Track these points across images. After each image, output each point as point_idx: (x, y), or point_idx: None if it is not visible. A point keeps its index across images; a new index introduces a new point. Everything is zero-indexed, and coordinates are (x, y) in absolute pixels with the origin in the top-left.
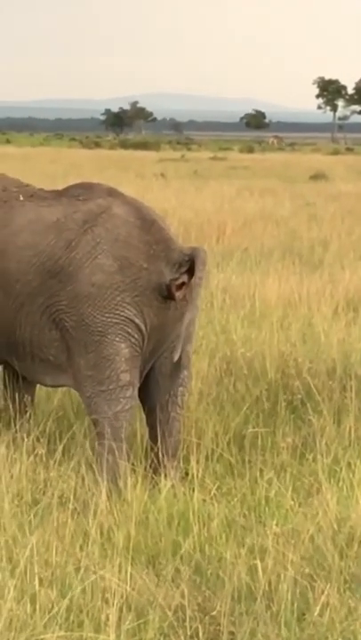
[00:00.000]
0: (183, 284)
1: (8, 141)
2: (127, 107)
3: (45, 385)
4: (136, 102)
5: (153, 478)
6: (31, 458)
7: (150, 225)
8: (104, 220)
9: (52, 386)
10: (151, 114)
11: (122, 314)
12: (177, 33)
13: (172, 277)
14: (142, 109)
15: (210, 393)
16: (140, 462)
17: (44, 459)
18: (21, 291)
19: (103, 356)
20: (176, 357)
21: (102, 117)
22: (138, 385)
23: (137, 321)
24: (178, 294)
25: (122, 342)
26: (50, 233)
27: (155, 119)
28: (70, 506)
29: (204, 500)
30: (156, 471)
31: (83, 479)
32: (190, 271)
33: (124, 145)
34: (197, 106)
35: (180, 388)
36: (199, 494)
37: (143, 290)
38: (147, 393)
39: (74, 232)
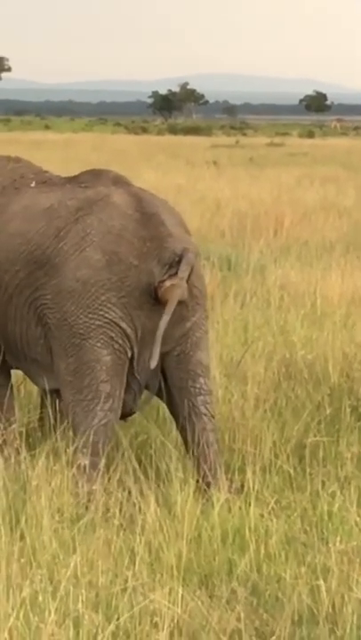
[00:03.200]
0: (172, 286)
1: (47, 127)
2: (176, 89)
3: (44, 389)
4: (186, 84)
5: (206, 492)
6: (73, 469)
7: (148, 219)
8: (99, 209)
9: (50, 390)
10: (203, 96)
11: (106, 315)
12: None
13: (160, 279)
14: (193, 91)
15: (267, 399)
16: (192, 475)
17: (87, 470)
18: (10, 282)
19: (83, 362)
20: (153, 364)
21: (149, 100)
22: (121, 396)
23: (123, 325)
24: (165, 298)
25: (103, 348)
26: (41, 220)
27: (206, 102)
28: (116, 522)
29: (262, 516)
30: (209, 485)
31: (129, 492)
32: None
33: (174, 130)
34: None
35: (200, 398)
36: (256, 509)
37: (132, 290)
38: (169, 406)
39: (64, 220)
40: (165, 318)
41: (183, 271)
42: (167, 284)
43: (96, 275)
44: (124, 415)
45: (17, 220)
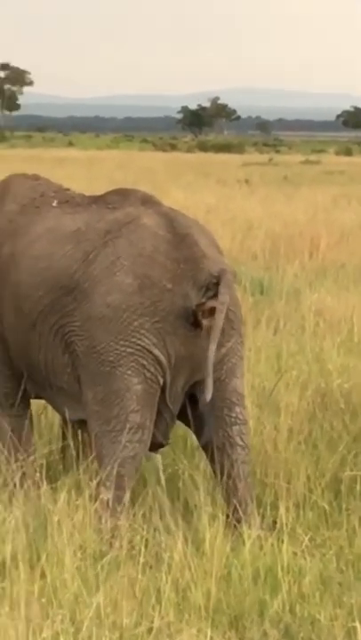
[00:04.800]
0: (211, 309)
1: (71, 143)
2: (207, 103)
3: (70, 420)
4: (217, 98)
5: (236, 528)
6: (96, 504)
7: (181, 240)
8: (129, 232)
9: (74, 420)
10: (234, 111)
11: (138, 342)
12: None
13: (198, 302)
14: (224, 106)
15: (301, 430)
16: (222, 509)
17: (110, 505)
18: (33, 308)
19: (112, 391)
20: (208, 397)
21: (178, 116)
22: (151, 427)
23: (156, 352)
24: (205, 321)
25: (134, 376)
26: (67, 243)
27: (238, 117)
28: (141, 559)
29: (295, 554)
30: (239, 520)
31: (155, 528)
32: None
33: (204, 147)
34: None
35: (236, 428)
36: (289, 546)
37: (166, 315)
38: (200, 436)
39: (93, 243)
40: (212, 346)
41: (224, 294)
42: (206, 306)
43: (128, 300)
44: (154, 447)
45: (41, 243)
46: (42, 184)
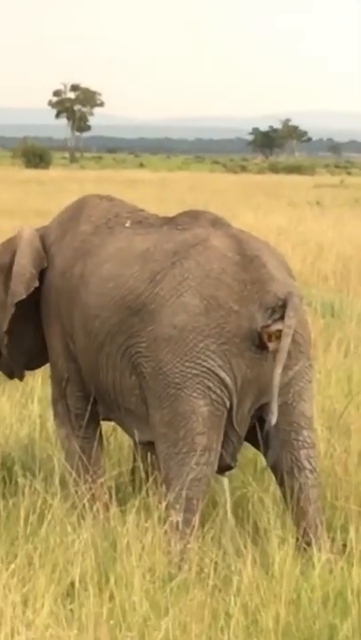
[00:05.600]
0: (277, 332)
1: (142, 165)
2: (278, 125)
3: (138, 442)
4: (288, 120)
5: (305, 551)
6: (165, 527)
7: (249, 261)
8: (197, 253)
9: (143, 442)
10: (306, 133)
11: (204, 364)
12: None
13: (263, 324)
14: (295, 128)
15: None
16: (291, 533)
17: (179, 527)
18: (101, 328)
19: (178, 413)
20: (273, 420)
21: (249, 137)
22: (218, 449)
23: (222, 374)
24: (271, 345)
25: (200, 398)
26: (136, 263)
27: (310, 139)
28: (210, 582)
29: None
30: (309, 543)
31: (224, 551)
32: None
33: (275, 169)
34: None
35: (304, 451)
36: (359, 570)
37: (232, 337)
38: (268, 459)
39: (160, 264)
40: (278, 369)
41: (290, 317)
42: (272, 329)
43: (194, 321)
44: (222, 469)
45: (110, 263)
46: (116, 205)
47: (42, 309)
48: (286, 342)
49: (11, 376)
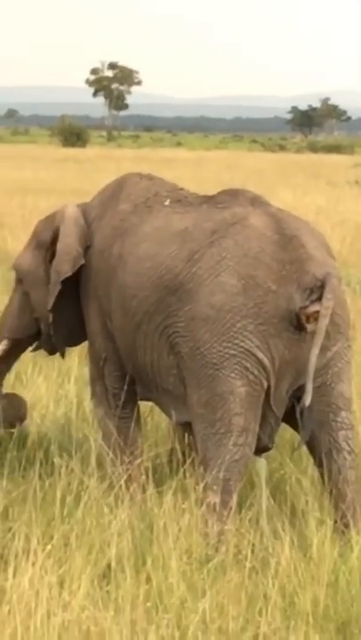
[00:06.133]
0: (315, 313)
1: (179, 144)
2: (317, 104)
3: (176, 422)
4: (328, 99)
5: (344, 533)
6: (202, 508)
7: (288, 241)
8: (236, 232)
9: (180, 422)
10: (345, 112)
11: (241, 344)
12: None
13: (301, 305)
14: (335, 107)
15: None
16: (330, 515)
17: (217, 509)
18: (138, 308)
19: (216, 394)
20: (307, 401)
21: (288, 116)
22: (256, 430)
23: (259, 354)
24: (309, 326)
25: (238, 379)
26: (173, 243)
27: (349, 118)
28: (247, 564)
29: None
30: (347, 525)
31: (261, 534)
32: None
33: (314, 148)
34: None
35: (342, 432)
36: None
37: (270, 317)
38: (302, 439)
39: (199, 243)
40: (315, 351)
41: (328, 299)
42: (310, 310)
43: (231, 300)
44: (259, 450)
45: (148, 242)
46: (156, 183)
47: (81, 287)
48: (323, 324)
49: (52, 352)
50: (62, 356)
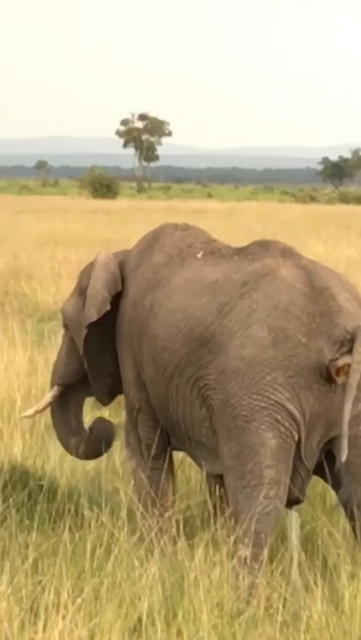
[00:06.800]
0: (345, 366)
1: (210, 195)
2: (348, 155)
3: (209, 474)
4: (359, 149)
5: None
6: (233, 561)
7: (319, 293)
8: (266, 284)
9: (212, 474)
10: None
11: (272, 397)
12: None
13: (331, 357)
14: None
15: None
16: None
17: (248, 562)
18: (170, 360)
19: (246, 446)
20: (343, 457)
21: (319, 167)
22: (287, 482)
23: (290, 407)
24: (338, 379)
25: (268, 431)
26: (204, 295)
27: None
28: (279, 618)
29: None
30: None
31: (293, 587)
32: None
33: (345, 199)
34: None
35: None
36: None
37: (300, 369)
38: (340, 496)
39: (229, 295)
40: (348, 406)
41: (359, 352)
42: (340, 363)
43: (261, 353)
44: (290, 503)
45: (179, 295)
46: (192, 234)
47: (116, 338)
48: (355, 378)
49: (103, 402)
50: (105, 403)
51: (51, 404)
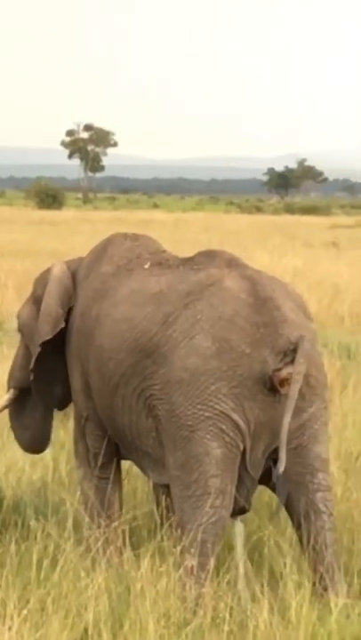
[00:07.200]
0: (288, 377)
1: (156, 205)
2: (293, 165)
3: (155, 484)
4: (304, 160)
5: (322, 596)
6: (180, 571)
7: (263, 303)
8: (210, 294)
9: (159, 484)
10: (321, 173)
11: (216, 407)
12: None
13: (275, 367)
14: (311, 168)
15: None
16: (308, 578)
17: (194, 572)
18: (115, 371)
19: (192, 456)
20: (281, 468)
21: (265, 178)
22: (232, 492)
23: (234, 416)
24: (282, 389)
25: (213, 441)
26: (149, 305)
27: (325, 179)
28: (225, 627)
29: None
30: (326, 588)
31: (239, 597)
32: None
33: (290, 209)
34: None
35: (320, 494)
36: None
37: (244, 380)
38: (280, 502)
39: (173, 305)
40: (287, 418)
41: (300, 363)
42: (283, 373)
43: (205, 363)
44: (236, 512)
45: (124, 305)
46: (141, 245)
47: (65, 346)
48: (295, 390)
49: (58, 407)
50: (58, 408)
51: (7, 407)
